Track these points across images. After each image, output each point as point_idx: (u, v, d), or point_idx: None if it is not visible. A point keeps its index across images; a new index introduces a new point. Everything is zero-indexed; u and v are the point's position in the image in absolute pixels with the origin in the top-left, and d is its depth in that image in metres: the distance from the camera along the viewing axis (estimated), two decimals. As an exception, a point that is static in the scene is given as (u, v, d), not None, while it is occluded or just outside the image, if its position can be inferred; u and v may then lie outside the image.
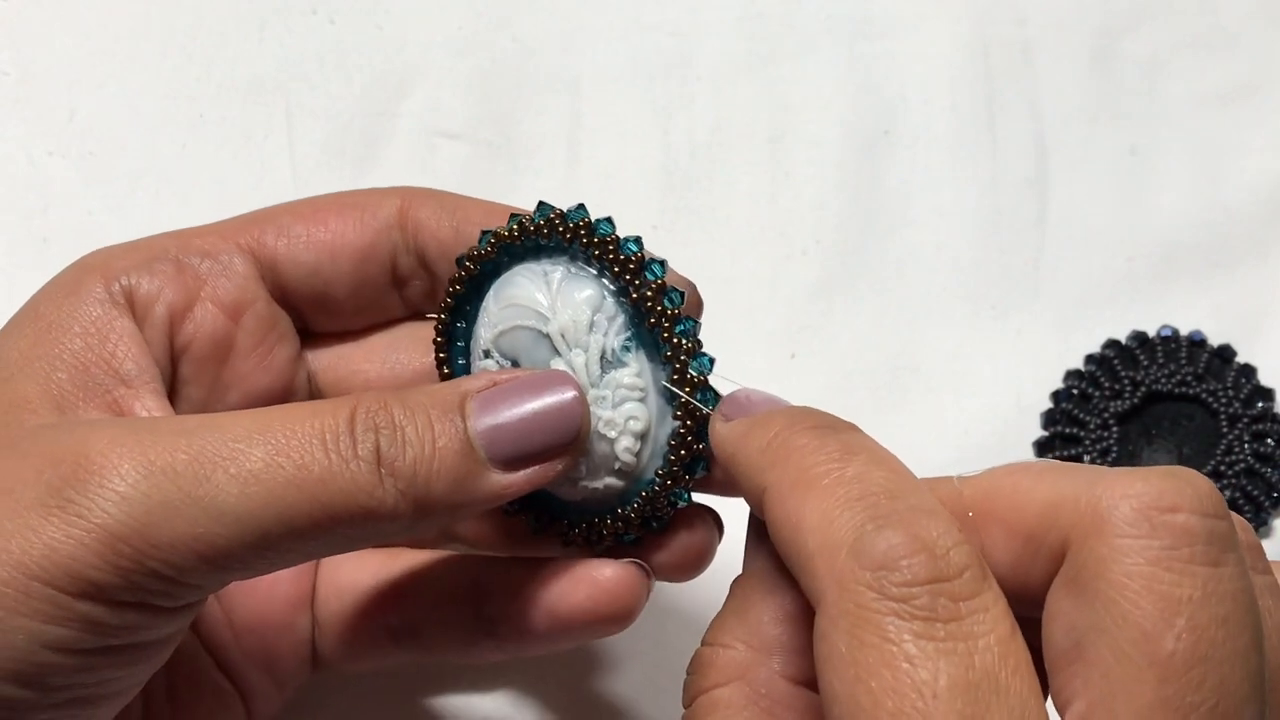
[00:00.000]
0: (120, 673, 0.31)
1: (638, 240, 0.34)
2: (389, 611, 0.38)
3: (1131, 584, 0.25)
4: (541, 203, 0.35)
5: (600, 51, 0.55)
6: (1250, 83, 0.55)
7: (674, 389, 0.33)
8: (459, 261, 0.36)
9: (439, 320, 0.36)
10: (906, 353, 0.51)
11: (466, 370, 0.36)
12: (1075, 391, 0.50)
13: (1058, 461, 0.28)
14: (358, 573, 0.39)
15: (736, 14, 0.55)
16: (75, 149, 0.51)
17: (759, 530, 0.31)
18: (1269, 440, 0.49)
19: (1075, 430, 0.49)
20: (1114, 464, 0.49)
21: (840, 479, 0.28)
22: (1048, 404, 0.51)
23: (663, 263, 0.34)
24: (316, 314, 0.38)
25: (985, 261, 0.53)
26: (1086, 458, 0.49)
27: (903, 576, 0.26)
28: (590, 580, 0.35)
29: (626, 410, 0.33)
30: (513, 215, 0.35)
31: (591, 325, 0.34)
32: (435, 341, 0.37)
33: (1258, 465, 0.48)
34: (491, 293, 0.35)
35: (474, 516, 0.38)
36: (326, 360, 0.39)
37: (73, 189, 0.51)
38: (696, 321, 0.34)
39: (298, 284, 0.37)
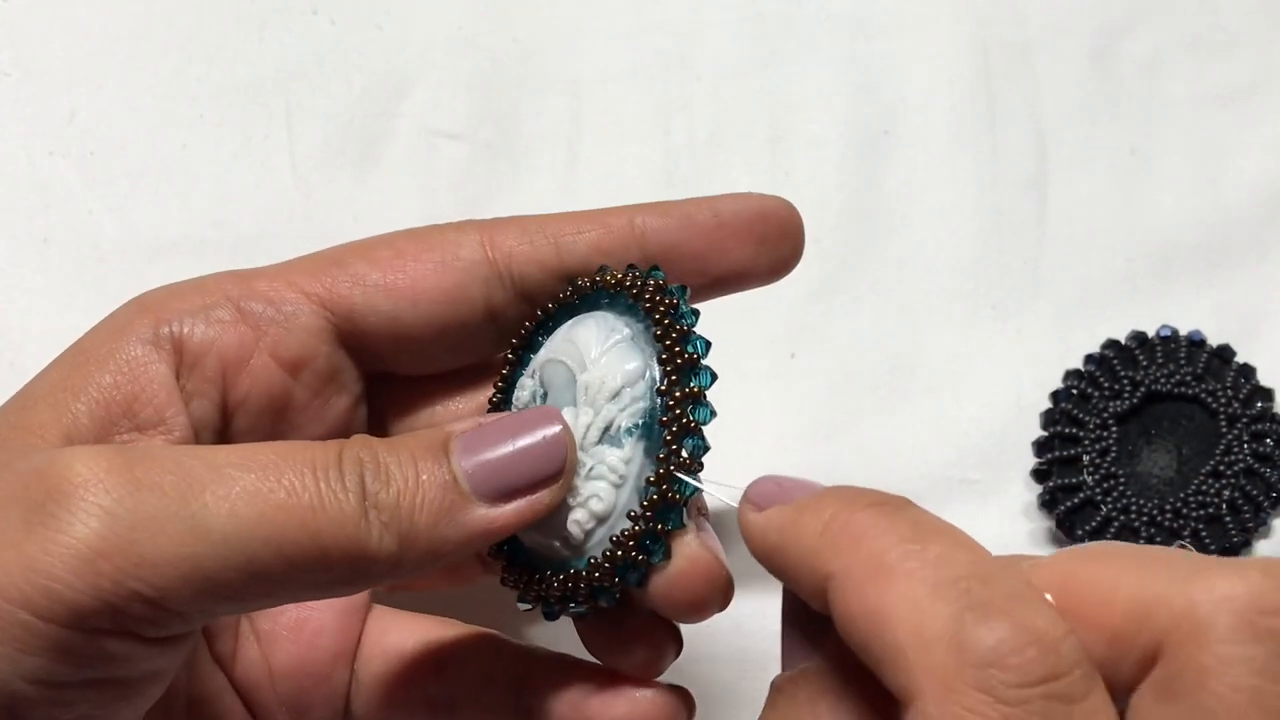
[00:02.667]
0: (102, 711, 0.30)
1: (707, 343, 0.33)
2: (430, 681, 0.38)
3: (1237, 697, 0.24)
4: (655, 267, 0.35)
5: (600, 51, 0.55)
6: (1250, 83, 0.55)
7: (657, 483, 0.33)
8: (545, 306, 0.36)
9: (511, 345, 0.36)
10: (906, 353, 0.51)
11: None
12: (1075, 391, 0.50)
13: (1132, 545, 0.27)
14: (406, 637, 0.38)
15: (736, 14, 0.55)
16: (75, 149, 0.51)
17: (806, 623, 0.29)
18: (1268, 440, 0.49)
19: (1075, 430, 0.49)
20: (1113, 463, 0.49)
21: (924, 562, 0.26)
22: (1047, 404, 0.51)
23: (714, 374, 0.33)
24: (399, 358, 0.37)
25: (985, 261, 0.53)
26: (1086, 457, 0.49)
27: (1015, 677, 0.24)
28: (631, 698, 0.34)
29: (596, 487, 0.33)
30: (604, 267, 0.35)
31: (616, 394, 0.33)
32: (505, 361, 0.36)
33: (1257, 465, 0.48)
34: (569, 323, 0.35)
35: (469, 558, 0.37)
36: (411, 425, 0.38)
37: (73, 189, 0.51)
38: (706, 445, 0.33)
39: (377, 332, 0.36)
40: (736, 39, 0.55)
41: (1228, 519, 0.48)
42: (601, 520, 0.33)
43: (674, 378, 0.33)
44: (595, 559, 0.33)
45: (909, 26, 0.56)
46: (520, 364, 0.36)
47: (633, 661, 0.35)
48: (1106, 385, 0.50)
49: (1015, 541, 0.49)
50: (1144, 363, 0.50)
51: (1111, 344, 0.51)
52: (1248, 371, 0.50)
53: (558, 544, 0.34)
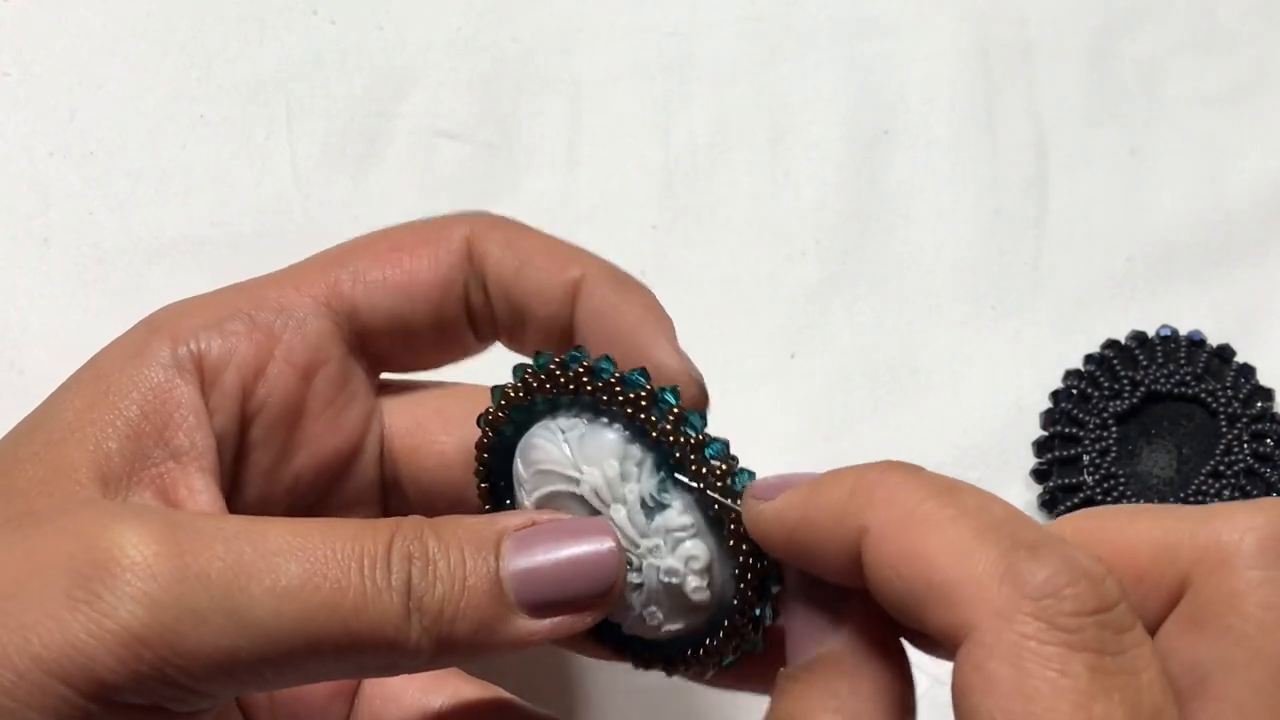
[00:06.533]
0: None
1: (643, 371, 0.32)
2: None
3: (1267, 615, 0.25)
4: (539, 352, 0.33)
5: (600, 51, 0.55)
6: (1250, 83, 0.55)
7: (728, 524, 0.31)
8: (479, 422, 0.34)
9: (478, 475, 0.35)
10: (906, 353, 0.51)
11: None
12: (1075, 391, 0.50)
13: (1143, 504, 0.28)
14: (407, 682, 0.38)
15: (736, 14, 0.55)
16: (75, 149, 0.51)
17: (817, 610, 0.30)
18: (1268, 440, 0.49)
19: (1074, 430, 0.49)
20: (1113, 463, 0.49)
21: (963, 509, 0.26)
22: (1047, 404, 0.51)
23: (675, 389, 0.32)
24: (399, 354, 0.37)
25: (985, 261, 0.53)
26: (1086, 457, 0.49)
27: (1071, 606, 0.25)
28: None
29: (685, 550, 0.32)
30: (517, 367, 0.34)
31: (623, 475, 0.32)
32: (480, 489, 0.35)
33: (1257, 465, 0.48)
34: (519, 455, 0.34)
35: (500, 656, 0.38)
36: (403, 425, 0.38)
37: (73, 189, 0.51)
38: (724, 441, 0.32)
39: (378, 328, 0.36)
40: (736, 39, 0.55)
41: (1228, 519, 0.48)
42: (708, 570, 0.32)
43: (649, 418, 0.32)
44: (736, 597, 0.32)
45: (909, 26, 0.56)
46: (496, 494, 0.35)
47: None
48: (1106, 385, 0.50)
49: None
50: (1144, 363, 0.50)
51: (1111, 344, 0.51)
52: (1248, 371, 0.50)
53: (690, 620, 0.33)
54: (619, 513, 0.32)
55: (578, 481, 0.32)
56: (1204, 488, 0.48)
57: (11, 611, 0.28)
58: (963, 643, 0.25)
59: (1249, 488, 0.48)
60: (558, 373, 0.33)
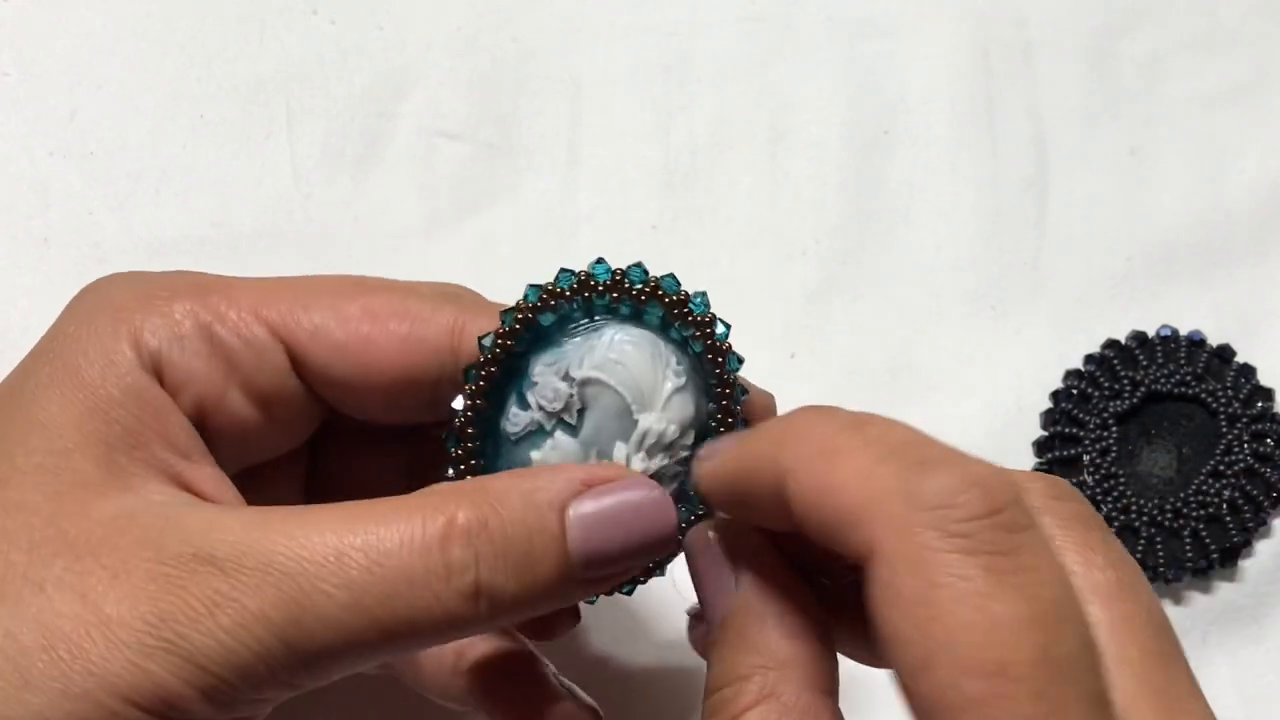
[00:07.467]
0: None
1: (739, 359, 0.34)
2: None
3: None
4: (670, 276, 0.34)
5: (600, 51, 0.55)
6: (1250, 83, 0.55)
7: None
8: (524, 307, 0.34)
9: (477, 388, 0.34)
10: (906, 353, 0.51)
11: (496, 447, 0.35)
12: (1075, 391, 0.50)
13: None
14: None
15: (736, 14, 0.55)
16: (75, 149, 0.51)
17: (724, 564, 0.31)
18: (1268, 440, 0.49)
19: (1075, 430, 0.49)
20: (1113, 463, 0.49)
21: (866, 439, 0.28)
22: (1047, 404, 0.51)
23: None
24: (342, 408, 0.36)
25: (985, 261, 0.53)
26: (1086, 457, 0.49)
27: (963, 513, 0.26)
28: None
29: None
30: (598, 263, 0.34)
31: (670, 445, 0.33)
32: (482, 364, 0.34)
33: (1257, 465, 0.48)
34: (606, 331, 0.34)
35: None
36: (337, 465, 0.38)
37: (73, 189, 0.51)
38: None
39: (327, 385, 0.35)
40: (736, 39, 0.55)
41: (1228, 519, 0.48)
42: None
43: (731, 412, 0.34)
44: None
45: (909, 26, 0.56)
46: (511, 369, 0.34)
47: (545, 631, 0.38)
48: (1106, 385, 0.50)
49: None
50: (1144, 363, 0.50)
51: (1111, 344, 0.51)
52: (1248, 371, 0.50)
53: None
54: (638, 463, 0.33)
55: (645, 409, 0.33)
56: (1204, 487, 0.48)
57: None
58: (869, 563, 0.26)
59: (1249, 488, 0.48)
60: (692, 316, 0.34)
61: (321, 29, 0.54)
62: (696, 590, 0.32)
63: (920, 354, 0.51)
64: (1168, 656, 0.27)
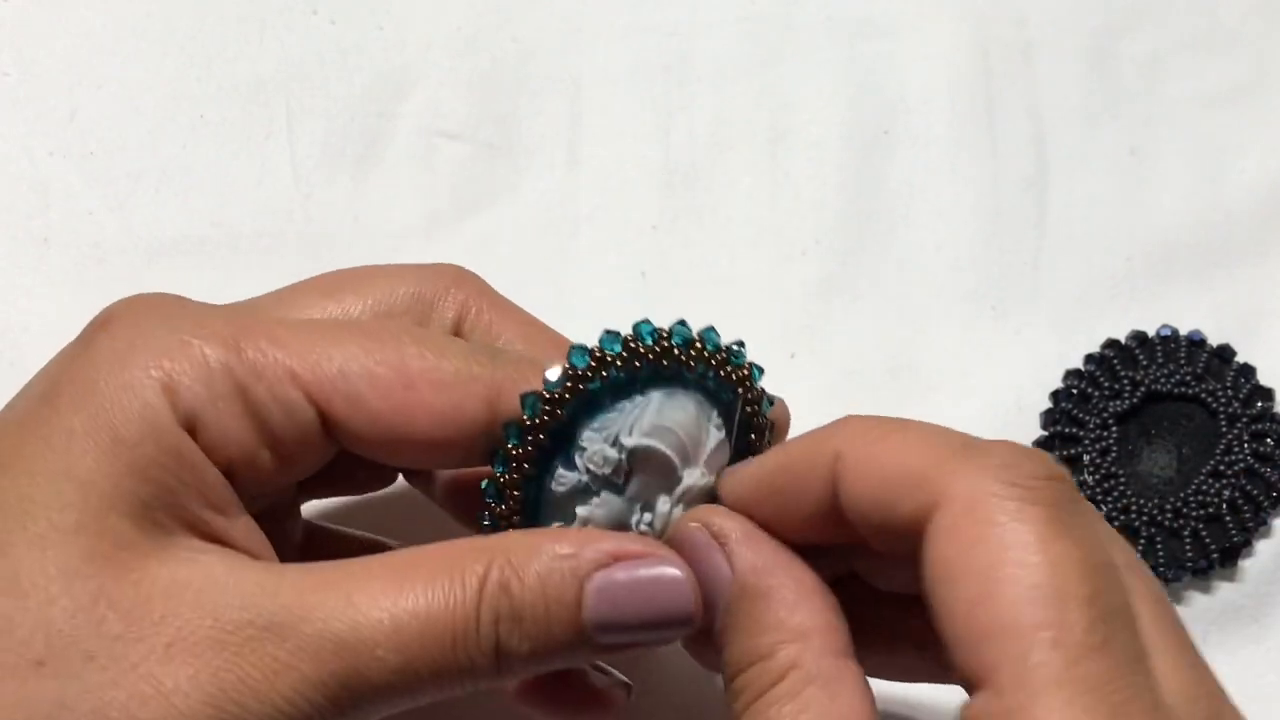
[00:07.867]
0: None
1: (771, 400, 0.36)
2: None
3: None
4: (711, 329, 0.36)
5: (600, 51, 0.55)
6: (1250, 83, 0.55)
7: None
8: (532, 404, 0.33)
9: (527, 438, 0.34)
10: (906, 353, 0.51)
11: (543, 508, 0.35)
12: (1075, 391, 0.50)
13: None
14: None
15: (736, 14, 0.55)
16: (75, 149, 0.51)
17: (717, 551, 0.32)
18: (1268, 440, 0.49)
19: (1075, 430, 0.49)
20: (1113, 463, 0.49)
21: (920, 426, 0.30)
22: (1047, 404, 0.51)
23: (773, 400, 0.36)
24: (366, 457, 0.35)
25: (985, 261, 0.53)
26: (1086, 457, 0.49)
27: (1025, 471, 0.28)
28: None
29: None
30: (576, 347, 0.34)
31: (704, 491, 0.34)
32: (527, 432, 0.33)
33: (1257, 465, 0.48)
34: (655, 398, 0.34)
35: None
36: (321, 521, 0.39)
37: (73, 189, 0.51)
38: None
39: (356, 445, 0.34)
40: (736, 39, 0.55)
41: (1228, 519, 0.48)
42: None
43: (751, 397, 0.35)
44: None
45: (909, 26, 0.56)
46: (558, 432, 0.34)
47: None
48: (1106, 385, 0.50)
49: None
50: (1144, 363, 0.50)
51: (1111, 344, 0.51)
52: (1248, 371, 0.50)
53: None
54: (679, 512, 0.34)
55: (689, 464, 0.34)
56: (1204, 487, 0.48)
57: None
58: (933, 517, 0.28)
59: (1249, 488, 0.48)
60: (729, 368, 0.35)
61: (321, 29, 0.54)
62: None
63: (920, 354, 0.51)
64: (1185, 639, 0.29)
